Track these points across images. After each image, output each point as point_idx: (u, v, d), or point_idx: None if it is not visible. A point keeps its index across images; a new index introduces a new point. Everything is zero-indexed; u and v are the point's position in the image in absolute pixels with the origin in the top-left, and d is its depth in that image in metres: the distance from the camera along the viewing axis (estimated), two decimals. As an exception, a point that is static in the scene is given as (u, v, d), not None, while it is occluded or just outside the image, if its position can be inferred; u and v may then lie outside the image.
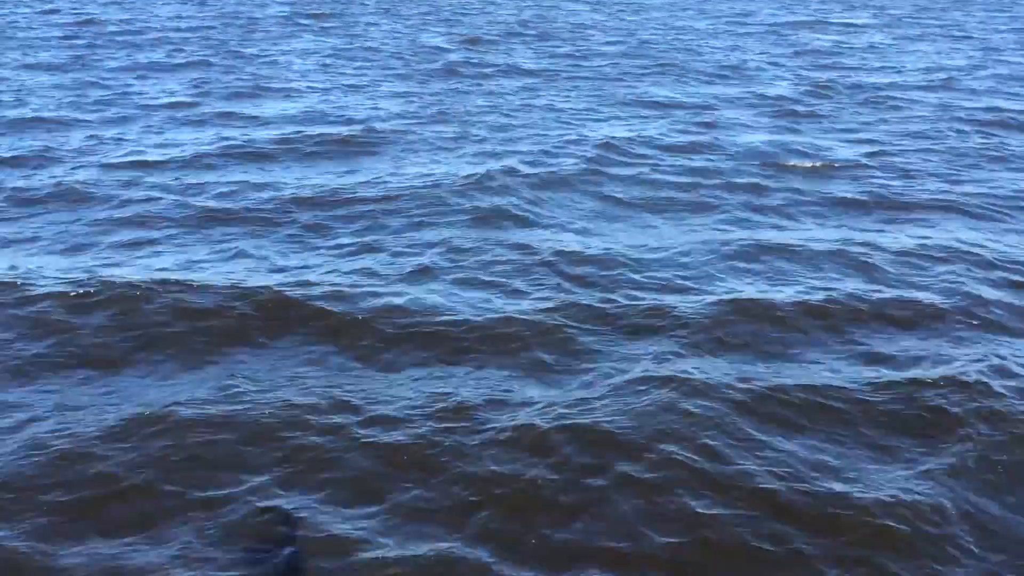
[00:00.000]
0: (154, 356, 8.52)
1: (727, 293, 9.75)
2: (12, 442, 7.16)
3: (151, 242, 11.47)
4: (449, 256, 10.94)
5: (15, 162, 14.69)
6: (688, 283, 10.08)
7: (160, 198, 13.17)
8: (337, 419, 7.60)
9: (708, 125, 17.46)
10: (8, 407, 7.67)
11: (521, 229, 11.94)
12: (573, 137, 16.64)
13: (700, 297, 9.66)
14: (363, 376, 8.32)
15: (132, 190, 13.49)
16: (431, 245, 11.34)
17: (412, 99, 20.35)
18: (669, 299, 9.61)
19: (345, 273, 10.41)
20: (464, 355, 8.64)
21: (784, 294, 9.68)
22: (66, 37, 27.83)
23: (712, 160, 15.15)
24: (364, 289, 9.91)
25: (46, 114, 17.83)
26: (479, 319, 9.18)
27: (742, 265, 10.61)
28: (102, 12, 33.81)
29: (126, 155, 15.24)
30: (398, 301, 9.59)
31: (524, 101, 20.25)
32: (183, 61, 24.52)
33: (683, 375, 7.99)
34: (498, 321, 9.12)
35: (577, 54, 27.03)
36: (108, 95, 19.91)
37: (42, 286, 9.74)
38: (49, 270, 10.32)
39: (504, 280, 10.25)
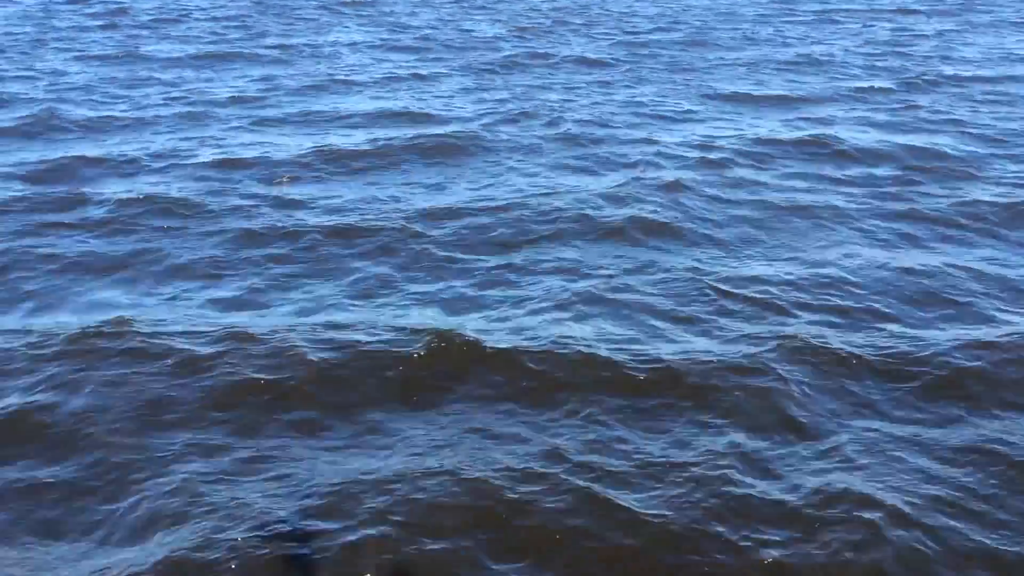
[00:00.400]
0: (332, 406, 7.61)
1: (964, 329, 8.71)
2: (218, 512, 6.31)
3: (275, 259, 10.60)
4: (603, 279, 10.03)
5: (104, 165, 13.85)
6: (897, 313, 9.13)
7: (261, 209, 12.30)
8: (556, 471, 6.76)
9: (819, 122, 16.52)
10: (206, 468, 6.80)
11: (669, 244, 11.05)
12: (678, 138, 15.76)
13: (931, 332, 8.64)
14: (565, 426, 7.41)
15: (231, 198, 12.63)
16: (578, 266, 10.45)
17: (484, 93, 19.45)
18: (890, 335, 8.62)
19: (499, 303, 9.51)
20: (672, 401, 7.68)
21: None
22: (105, 27, 26.84)
23: (843, 162, 14.21)
24: (527, 320, 9.05)
25: (116, 112, 16.94)
26: (670, 357, 8.24)
27: (955, 290, 9.60)
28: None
29: (212, 159, 14.34)
30: (569, 333, 8.69)
31: (603, 95, 19.35)
32: (231, 51, 23.59)
33: (979, 440, 7.07)
34: (693, 358, 8.19)
35: (634, 43, 26.06)
36: (170, 91, 19.01)
37: (189, 324, 8.90)
38: (184, 303, 9.48)
39: (677, 307, 9.34)
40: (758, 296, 9.40)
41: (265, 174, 13.75)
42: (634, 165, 14.12)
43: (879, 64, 22.86)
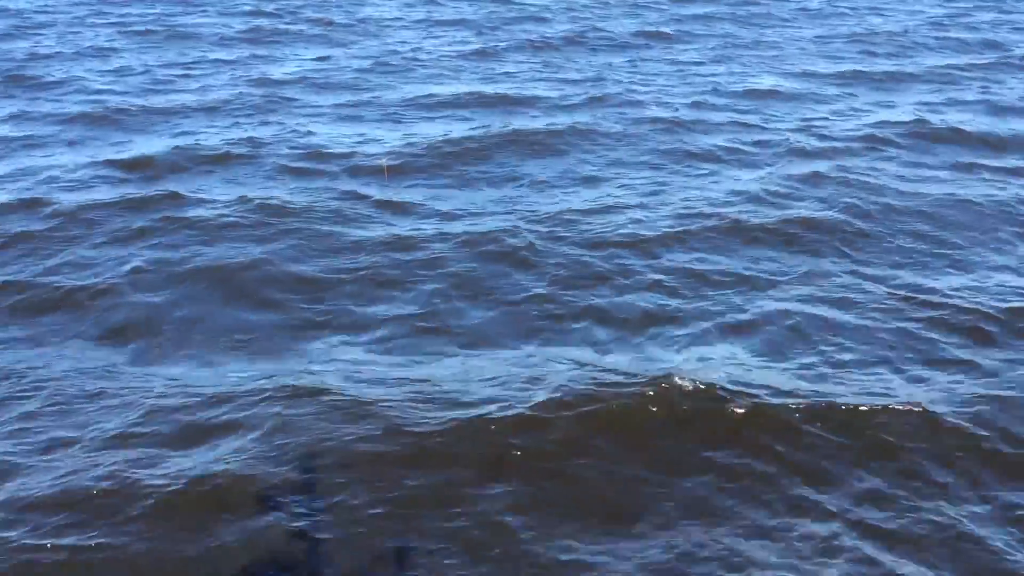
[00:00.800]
0: (570, 467, 6.61)
1: None
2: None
3: (410, 274, 9.74)
4: (787, 293, 9.13)
5: (188, 157, 12.98)
6: None
7: (369, 211, 11.44)
8: (851, 541, 5.94)
9: (926, 105, 15.64)
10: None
11: (841, 249, 10.06)
12: (782, 123, 14.93)
13: None
14: (827, 483, 6.42)
15: (332, 198, 11.73)
16: (750, 276, 9.54)
17: (553, 72, 18.58)
18: None
19: (675, 322, 8.63)
20: (945, 455, 6.66)
21: None
22: (141, -1, 25.82)
23: (990, 150, 13.20)
24: (729, 349, 8.13)
25: (183, 98, 16.01)
26: (916, 394, 7.24)
27: None
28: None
29: (299, 151, 13.42)
30: (784, 367, 7.77)
31: (677, 74, 18.48)
32: (277, 27, 22.68)
33: None
34: (950, 395, 7.23)
35: (685, 16, 25.03)
36: (229, 72, 18.17)
37: (361, 365, 8.07)
38: (338, 332, 8.65)
39: (890, 331, 8.24)
40: (979, 309, 8.54)
41: (359, 169, 12.85)
42: (753, 154, 13.33)
43: (951, 36, 22.02)
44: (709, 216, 11.06)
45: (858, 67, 18.74)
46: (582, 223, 11.00)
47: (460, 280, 9.57)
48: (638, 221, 11.04)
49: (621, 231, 10.72)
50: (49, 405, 7.29)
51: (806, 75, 18.36)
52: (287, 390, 7.29)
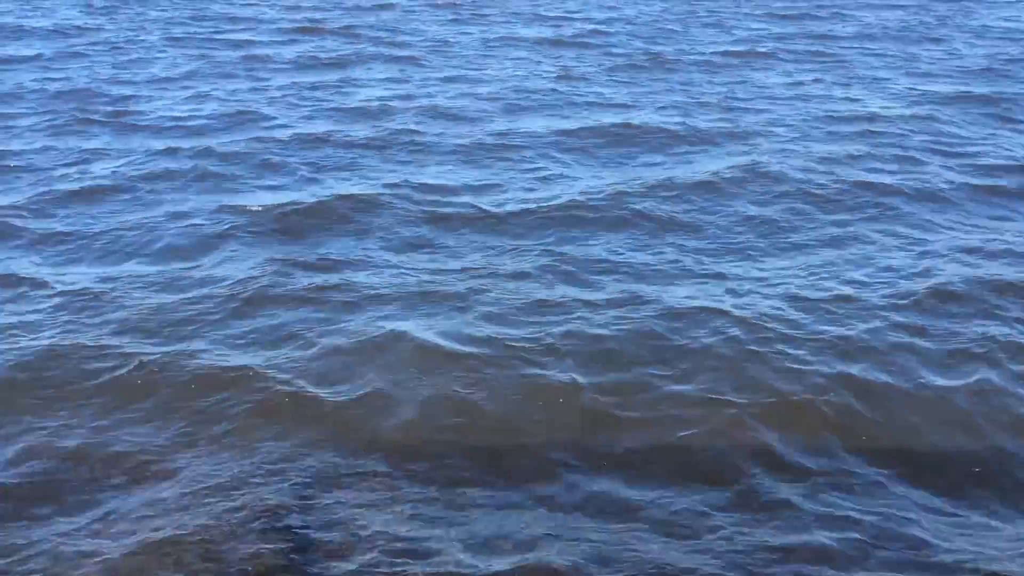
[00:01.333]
0: None
1: None
2: None
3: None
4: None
5: (347, 202, 11.40)
6: None
7: (585, 284, 9.77)
8: None
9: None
10: None
11: None
12: (981, 154, 13.61)
13: None
14: None
15: (529, 261, 10.21)
16: None
17: (657, 98, 17.15)
18: None
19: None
20: None
21: None
22: (190, 19, 24.11)
23: None
24: None
25: (289, 132, 14.37)
26: None
27: None
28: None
29: (456, 202, 11.79)
30: None
31: (796, 100, 17.09)
32: (338, 48, 21.08)
33: None
34: None
35: (765, 34, 23.79)
36: (316, 97, 16.64)
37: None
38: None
39: None
40: None
41: (513, 217, 11.35)
42: (950, 196, 12.03)
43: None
44: (954, 271, 9.74)
45: (982, 90, 17.57)
46: (816, 287, 9.65)
47: (728, 366, 8.11)
48: (874, 282, 9.74)
49: (871, 294, 9.40)
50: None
51: (927, 97, 17.18)
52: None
